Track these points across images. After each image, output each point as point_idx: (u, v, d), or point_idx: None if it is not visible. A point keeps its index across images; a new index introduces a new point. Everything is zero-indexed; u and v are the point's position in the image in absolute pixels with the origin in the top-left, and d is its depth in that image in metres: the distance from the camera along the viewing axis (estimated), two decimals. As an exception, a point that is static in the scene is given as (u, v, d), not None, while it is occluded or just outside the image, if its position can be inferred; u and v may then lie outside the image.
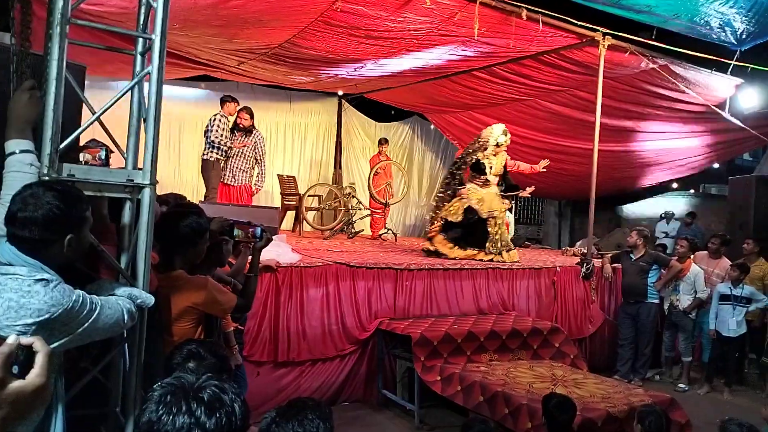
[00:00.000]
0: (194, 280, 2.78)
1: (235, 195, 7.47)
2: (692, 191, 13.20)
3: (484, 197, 6.98)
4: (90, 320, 1.80)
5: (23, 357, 1.00)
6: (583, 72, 7.08)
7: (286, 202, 9.03)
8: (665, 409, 4.10)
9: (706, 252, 7.02)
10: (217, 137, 7.20)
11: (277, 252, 5.02)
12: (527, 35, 6.11)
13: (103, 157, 2.10)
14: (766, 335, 6.67)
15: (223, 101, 7.50)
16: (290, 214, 9.17)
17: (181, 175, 9.35)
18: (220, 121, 7.28)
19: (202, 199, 7.08)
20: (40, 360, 1.01)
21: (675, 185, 12.91)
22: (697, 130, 8.62)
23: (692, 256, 6.85)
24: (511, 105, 8.87)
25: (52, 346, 1.70)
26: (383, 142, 9.77)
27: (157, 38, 2.11)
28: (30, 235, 1.75)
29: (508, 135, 7.08)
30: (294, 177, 9.44)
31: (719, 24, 6.07)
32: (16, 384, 0.97)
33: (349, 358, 5.39)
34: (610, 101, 7.26)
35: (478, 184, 7.04)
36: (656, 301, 6.62)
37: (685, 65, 6.93)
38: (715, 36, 6.37)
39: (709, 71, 7.11)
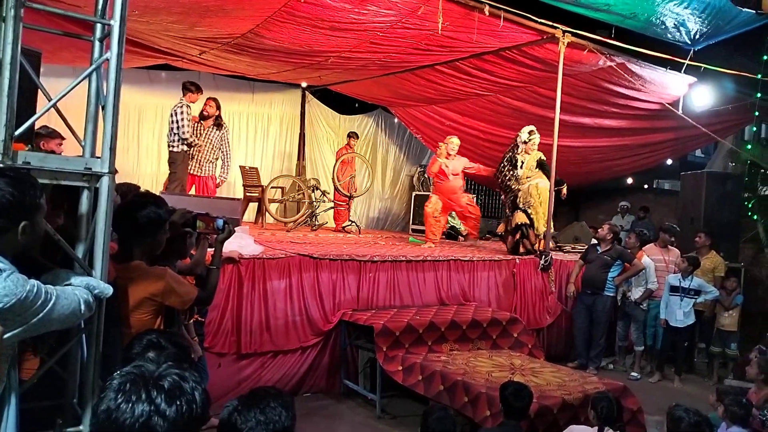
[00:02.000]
0: (152, 270, 2.75)
1: (200, 185, 7.39)
2: (645, 186, 13.57)
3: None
4: (45, 310, 1.77)
5: None
6: (543, 69, 7.20)
7: (248, 194, 8.96)
8: (618, 396, 4.25)
9: (656, 245, 7.25)
10: (184, 133, 7.04)
11: (240, 244, 4.99)
12: (489, 31, 6.19)
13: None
14: (714, 325, 6.96)
15: (185, 88, 7.32)
16: (252, 206, 9.11)
17: (140, 164, 9.18)
18: (184, 113, 7.09)
19: (163, 190, 6.96)
20: None
21: (630, 180, 13.28)
22: (651, 127, 8.87)
23: (645, 249, 7.10)
24: (473, 100, 8.97)
25: (5, 336, 1.67)
26: (353, 136, 9.75)
27: (116, 24, 2.08)
28: None
29: (535, 135, 7.44)
30: (257, 168, 9.36)
31: (674, 24, 6.27)
32: None
33: (311, 350, 5.40)
34: (569, 98, 7.42)
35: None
36: (612, 294, 6.81)
37: (641, 63, 7.12)
38: (670, 36, 6.59)
39: (664, 69, 7.33)
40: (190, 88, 7.30)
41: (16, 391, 1.86)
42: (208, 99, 7.54)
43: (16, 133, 1.95)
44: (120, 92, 2.11)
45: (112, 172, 2.13)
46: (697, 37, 6.72)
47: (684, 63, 7.23)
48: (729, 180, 8.47)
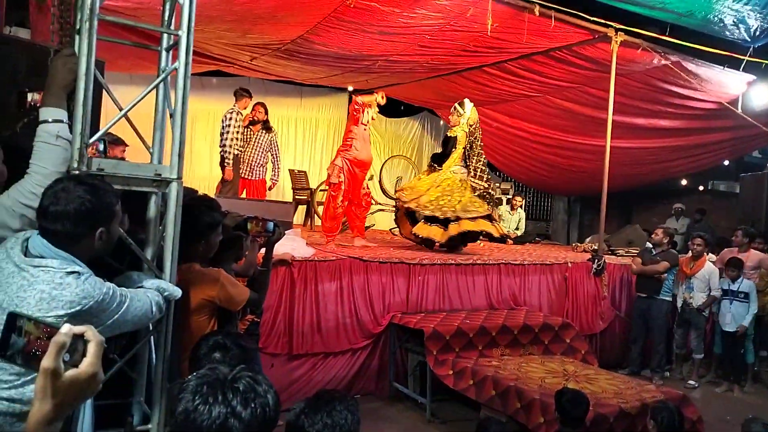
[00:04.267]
0: (208, 272, 2.82)
1: (251, 188, 7.53)
2: (701, 188, 13.14)
3: None
4: (120, 312, 1.84)
5: (74, 345, 1.02)
6: (594, 68, 7.07)
7: (297, 197, 9.07)
8: (678, 406, 4.13)
9: (733, 248, 7.01)
10: (228, 140, 7.17)
11: (292, 246, 5.06)
12: (539, 31, 6.11)
13: (101, 149, 2.12)
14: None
15: (237, 95, 7.49)
16: (301, 209, 9.21)
17: (193, 168, 9.40)
18: (234, 119, 7.23)
19: (216, 193, 7.12)
20: (92, 349, 1.03)
21: (684, 182, 12.88)
22: (708, 127, 8.59)
23: (722, 253, 6.91)
24: (521, 101, 8.87)
25: None
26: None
27: (183, 34, 2.14)
28: (61, 228, 1.78)
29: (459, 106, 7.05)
30: (305, 172, 9.47)
31: (733, 21, 6.06)
32: (70, 373, 1.00)
33: (361, 352, 5.43)
34: (621, 98, 7.25)
35: None
36: (668, 298, 6.62)
37: (698, 62, 6.91)
38: (728, 33, 6.37)
39: (722, 68, 7.09)
40: (243, 94, 7.45)
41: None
42: (256, 104, 7.68)
43: (90, 141, 2.03)
44: (188, 101, 2.17)
45: (180, 177, 2.19)
46: (758, 33, 6.47)
47: (743, 60, 6.97)
48: (792, 181, 8.13)
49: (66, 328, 1.01)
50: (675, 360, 6.92)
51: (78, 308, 1.72)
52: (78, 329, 1.03)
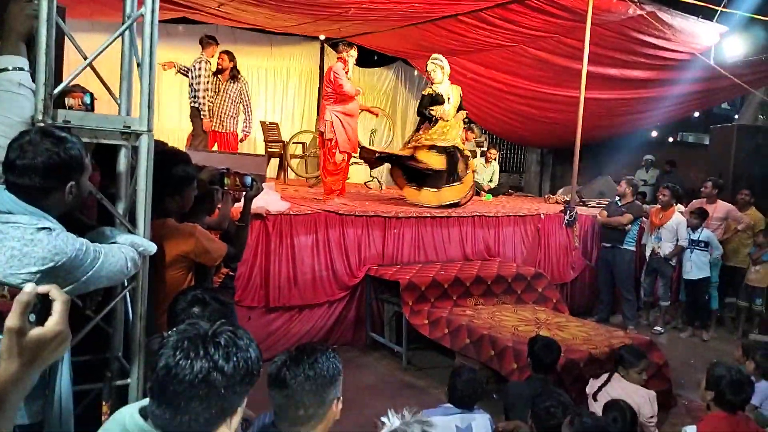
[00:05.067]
0: (182, 228, 2.78)
1: (222, 141, 7.36)
2: (670, 139, 13.32)
3: None
4: (94, 268, 1.80)
5: (40, 305, 1.01)
6: (570, 18, 6.97)
7: (269, 150, 8.93)
8: (644, 351, 4.27)
9: (702, 199, 7.15)
10: (200, 91, 6.97)
11: (266, 200, 5.00)
12: (516, -22, 5.99)
13: (87, 102, 2.04)
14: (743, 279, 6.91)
15: (203, 43, 7.23)
16: (274, 162, 9.09)
17: (161, 121, 9.14)
18: (203, 69, 7.02)
19: (187, 146, 6.97)
20: (58, 307, 1.02)
21: (654, 134, 13.02)
22: (680, 78, 8.62)
23: (693, 203, 7.05)
24: (496, 51, 8.75)
25: None
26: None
27: (150, -22, 2.04)
28: (30, 182, 1.72)
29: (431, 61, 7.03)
30: (277, 124, 9.30)
31: (710, -31, 6.01)
32: (35, 331, 0.99)
33: (338, 304, 5.48)
34: (595, 48, 7.20)
35: None
36: (632, 248, 6.77)
37: (672, 12, 6.87)
38: (704, -19, 6.32)
39: (696, 18, 7.07)
40: (209, 41, 7.20)
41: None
42: (221, 53, 7.42)
43: (55, 91, 1.94)
44: (156, 49, 2.08)
45: (151, 129, 2.12)
46: (732, -18, 6.46)
47: (717, 11, 6.97)
48: (760, 133, 8.26)
49: (29, 287, 1.00)
50: (642, 307, 7.14)
51: (51, 265, 1.68)
52: (42, 288, 1.02)
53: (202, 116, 6.97)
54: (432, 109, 6.85)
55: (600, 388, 3.69)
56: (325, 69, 10.63)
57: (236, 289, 4.62)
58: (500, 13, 7.19)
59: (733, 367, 2.95)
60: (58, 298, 1.03)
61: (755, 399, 3.62)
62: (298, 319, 5.28)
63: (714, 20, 7.06)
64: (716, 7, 6.95)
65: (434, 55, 7.09)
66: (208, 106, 7.08)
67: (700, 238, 6.58)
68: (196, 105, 7.06)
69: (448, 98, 6.94)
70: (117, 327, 2.28)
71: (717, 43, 7.50)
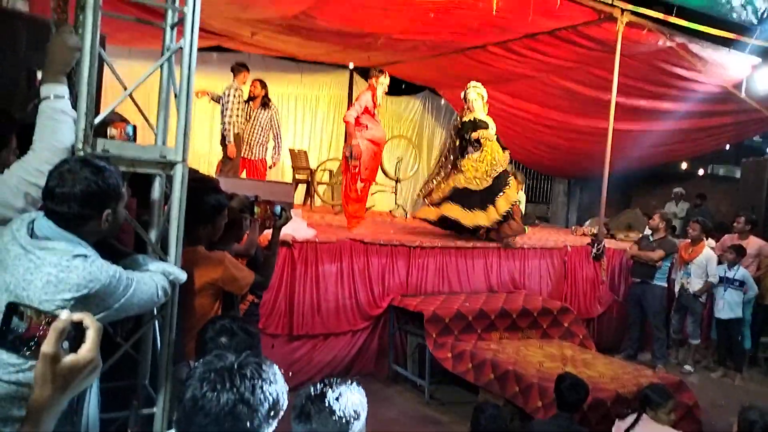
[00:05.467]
0: (212, 255, 2.80)
1: (251, 168, 7.45)
2: (701, 172, 13.12)
3: None
4: (126, 296, 1.82)
5: (73, 332, 1.03)
6: (599, 49, 6.98)
7: (297, 176, 9.02)
8: (671, 391, 4.14)
9: (734, 234, 7.00)
10: (227, 117, 7.08)
11: (293, 227, 5.02)
12: (545, 10, 6.00)
13: (130, 133, 2.08)
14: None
15: (234, 70, 7.36)
16: (301, 188, 9.17)
17: (193, 146, 9.28)
18: (232, 95, 7.12)
19: (216, 172, 7.07)
20: (91, 335, 1.05)
21: (684, 166, 12.84)
22: (711, 110, 8.54)
23: (722, 239, 6.91)
24: (524, 81, 8.77)
25: None
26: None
27: (189, 11, 2.09)
28: (68, 210, 1.75)
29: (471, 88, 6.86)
30: (305, 151, 9.40)
31: (741, 3, 5.98)
32: (69, 358, 1.02)
33: (361, 333, 5.44)
34: (624, 79, 7.17)
35: None
36: (663, 283, 6.63)
37: (703, 43, 6.82)
38: (735, 15, 6.29)
39: (727, 50, 7.01)
40: (240, 68, 7.32)
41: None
42: (253, 81, 7.56)
43: (96, 120, 1.98)
44: (193, 80, 2.12)
45: (186, 159, 2.15)
46: (765, 15, 6.40)
47: (749, 43, 6.90)
48: (793, 167, 8.09)
49: (65, 315, 1.02)
50: (671, 345, 6.96)
51: (85, 291, 1.71)
52: (77, 316, 1.04)
53: (227, 142, 7.06)
54: (479, 133, 6.63)
55: (628, 431, 3.59)
56: (355, 96, 10.83)
57: (261, 316, 4.63)
58: (528, 43, 7.23)
59: (766, 411, 2.84)
60: (92, 326, 1.05)
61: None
62: (321, 348, 5.25)
63: (746, 52, 6.99)
64: (748, 40, 6.89)
65: (474, 83, 6.92)
66: (239, 132, 7.18)
67: (735, 276, 6.41)
68: (223, 131, 7.17)
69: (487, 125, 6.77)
70: (145, 354, 2.29)
71: (749, 75, 7.42)
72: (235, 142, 7.11)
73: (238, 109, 7.13)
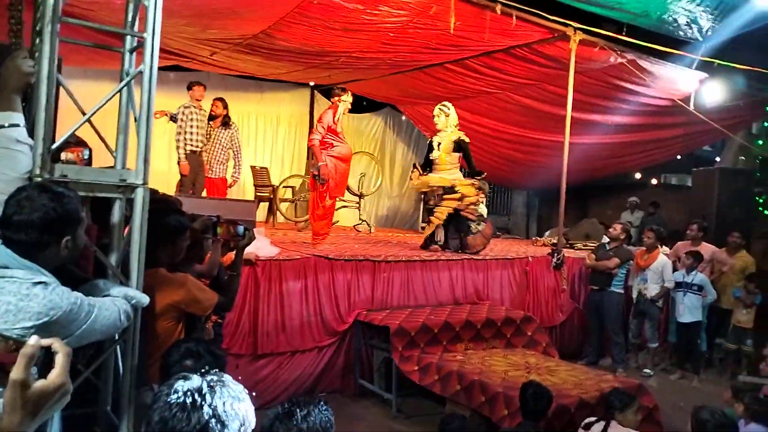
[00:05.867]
0: (174, 277, 2.78)
1: (211, 187, 7.40)
2: (654, 181, 13.54)
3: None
4: (88, 322, 1.81)
5: (42, 357, 1.03)
6: (553, 66, 7.20)
7: (258, 194, 8.98)
8: (633, 393, 4.26)
9: (687, 241, 7.25)
10: (181, 135, 7.05)
11: (256, 245, 4.97)
12: (501, 29, 6.18)
13: (86, 156, 2.08)
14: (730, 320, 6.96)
15: (189, 87, 7.35)
16: (263, 206, 9.13)
17: (151, 166, 9.18)
18: (184, 113, 7.12)
19: (176, 192, 6.99)
20: (60, 360, 1.05)
21: (638, 175, 13.23)
22: (661, 123, 8.87)
23: (678, 245, 7.14)
24: (482, 98, 8.97)
25: None
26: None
27: (149, 37, 2.11)
28: (26, 238, 1.74)
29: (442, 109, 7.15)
30: (267, 168, 9.37)
31: (686, 21, 6.27)
32: (39, 384, 1.01)
33: (327, 349, 5.44)
34: (579, 95, 7.40)
35: None
36: (620, 290, 6.83)
37: (652, 60, 7.11)
38: (681, 33, 6.58)
39: (675, 66, 7.32)
40: (193, 85, 7.31)
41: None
42: (214, 100, 7.55)
43: (54, 146, 1.98)
44: (153, 104, 2.13)
45: (146, 183, 2.15)
46: (709, 33, 6.70)
47: (695, 59, 7.22)
48: (741, 176, 8.46)
49: (34, 340, 1.02)
50: (630, 349, 7.15)
51: (46, 319, 1.69)
52: (45, 341, 1.04)
53: (178, 160, 7.02)
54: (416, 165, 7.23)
55: None
56: (316, 114, 10.87)
57: (224, 336, 4.59)
58: (486, 61, 7.41)
59: (717, 410, 2.97)
60: (61, 350, 1.05)
61: (746, 443, 3.62)
62: (286, 366, 5.22)
63: (693, 67, 7.31)
64: (694, 56, 7.21)
65: (443, 102, 7.26)
66: (196, 150, 7.15)
67: (693, 281, 6.64)
68: (192, 149, 7.13)
69: (438, 144, 7.01)
70: (106, 380, 2.26)
71: (697, 89, 7.74)
72: (189, 160, 7.06)
73: (191, 126, 7.09)
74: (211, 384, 1.27)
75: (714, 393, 5.69)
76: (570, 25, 6.40)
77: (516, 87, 8.25)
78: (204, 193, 7.35)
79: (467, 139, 7.13)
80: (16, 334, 1.63)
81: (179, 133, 7.07)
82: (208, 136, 7.40)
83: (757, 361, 5.66)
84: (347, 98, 6.52)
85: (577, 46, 6.54)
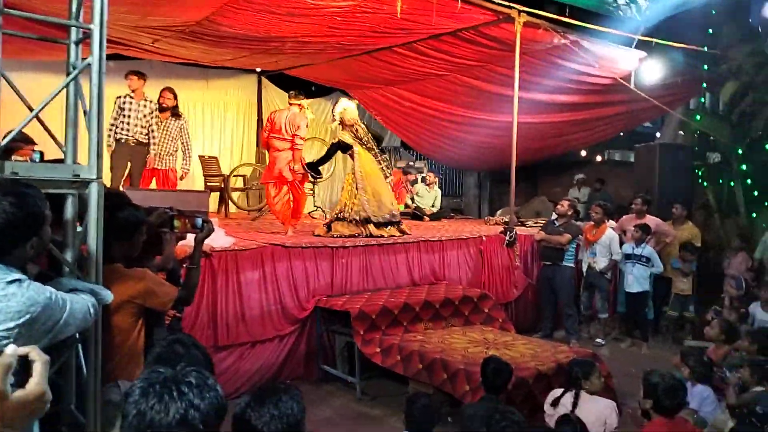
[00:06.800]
0: (131, 273, 2.73)
1: (161, 178, 7.22)
2: (599, 158, 13.95)
3: None
4: (64, 316, 1.79)
5: (19, 367, 1.01)
6: (499, 48, 7.31)
7: (209, 184, 8.84)
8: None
9: (632, 215, 7.53)
10: (120, 122, 6.85)
11: (211, 236, 4.95)
12: (447, 13, 6.22)
13: (37, 159, 2.02)
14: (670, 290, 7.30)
15: (126, 76, 7.10)
16: (214, 196, 8.98)
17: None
18: (123, 102, 6.92)
19: (125, 185, 6.81)
20: (38, 368, 1.04)
21: (584, 153, 13.61)
22: (605, 101, 9.12)
23: (623, 219, 7.44)
24: (431, 80, 9.03)
25: (40, 345, 1.67)
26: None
27: (96, 28, 2.05)
28: None
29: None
30: (216, 158, 9.22)
31: (625, 1, 6.45)
32: (18, 394, 1.00)
33: (288, 338, 5.44)
34: (525, 75, 7.55)
35: None
36: (571, 264, 7.07)
37: (594, 40, 7.31)
38: (621, 12, 6.78)
39: (616, 45, 7.54)
40: (127, 76, 7.05)
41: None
42: (163, 90, 7.34)
43: (2, 143, 1.92)
44: (104, 97, 2.08)
45: (101, 177, 2.11)
46: (647, 12, 6.94)
47: (635, 38, 7.46)
48: (680, 150, 8.82)
49: (11, 349, 1.00)
50: (582, 321, 7.42)
51: (27, 317, 1.66)
52: (22, 350, 1.02)
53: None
54: None
55: (572, 411, 3.68)
56: (264, 101, 10.74)
57: (183, 329, 4.54)
58: (433, 44, 7.45)
59: (666, 373, 3.13)
60: (38, 359, 1.04)
61: (693, 403, 3.84)
62: (248, 356, 5.20)
63: (633, 46, 7.55)
64: (633, 36, 7.44)
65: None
66: (126, 139, 6.93)
67: (642, 253, 6.91)
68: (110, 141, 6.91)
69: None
70: (68, 378, 2.22)
71: (637, 67, 8.00)
72: (118, 150, 6.89)
73: (123, 116, 6.89)
74: (185, 374, 1.29)
75: (663, 358, 5.97)
76: (514, 8, 6.50)
77: (464, 69, 8.34)
78: (153, 185, 7.18)
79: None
80: (0, 336, 1.59)
81: (111, 124, 6.85)
82: (149, 127, 7.11)
83: (701, 325, 5.95)
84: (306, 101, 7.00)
85: (522, 27, 6.66)
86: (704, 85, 8.83)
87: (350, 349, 5.49)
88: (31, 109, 2.04)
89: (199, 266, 3.20)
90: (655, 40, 7.42)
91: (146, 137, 7.02)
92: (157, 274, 3.07)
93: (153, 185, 7.21)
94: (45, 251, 1.90)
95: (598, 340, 7.03)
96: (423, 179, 10.73)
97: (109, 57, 8.27)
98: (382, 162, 7.20)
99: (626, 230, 7.28)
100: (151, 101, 7.11)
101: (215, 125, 10.43)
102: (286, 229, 6.69)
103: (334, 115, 7.19)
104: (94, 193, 2.12)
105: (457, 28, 6.91)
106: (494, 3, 6.31)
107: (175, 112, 7.36)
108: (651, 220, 7.32)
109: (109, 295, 2.10)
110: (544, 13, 6.78)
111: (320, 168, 7.40)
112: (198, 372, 1.32)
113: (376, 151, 7.19)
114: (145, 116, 7.00)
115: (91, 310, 1.92)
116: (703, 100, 9.28)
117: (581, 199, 10.93)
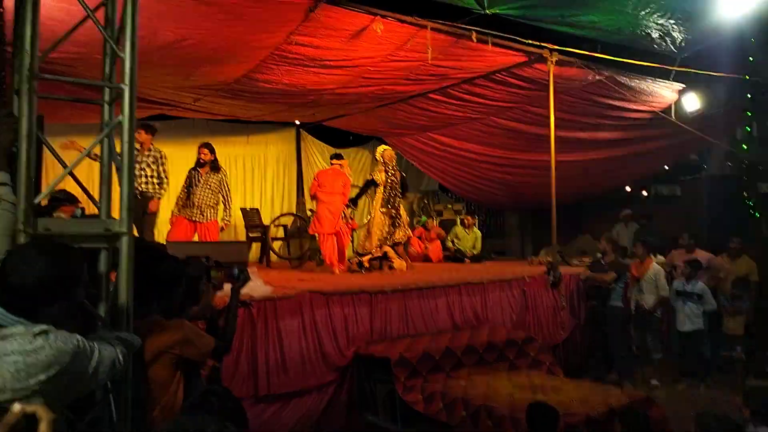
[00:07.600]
0: (169, 323, 2.75)
1: (202, 231, 7.36)
2: (645, 193, 13.59)
3: None
4: (93, 361, 1.75)
5: (26, 424, 1.02)
6: (533, 88, 7.31)
7: (250, 234, 8.98)
8: (643, 408, 4.23)
9: (681, 250, 7.27)
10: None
11: (250, 286, 4.97)
12: (478, 56, 6.30)
13: (79, 215, 2.09)
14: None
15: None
16: (255, 246, 9.12)
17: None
18: (136, 156, 6.91)
19: (167, 238, 6.98)
20: (43, 428, 1.03)
21: (628, 189, 13.30)
22: (646, 135, 8.96)
23: (670, 255, 7.25)
24: (466, 124, 9.08)
25: (69, 396, 1.68)
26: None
27: (126, 88, 2.14)
28: (21, 302, 1.72)
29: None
30: (257, 209, 9.39)
31: (659, 35, 6.40)
32: None
33: (329, 386, 5.37)
34: (562, 114, 7.51)
35: None
36: (619, 303, 6.82)
37: (629, 74, 7.23)
38: (656, 46, 6.71)
39: (652, 79, 7.44)
40: (140, 128, 6.77)
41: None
42: (200, 146, 7.50)
43: (36, 200, 1.99)
44: (134, 153, 2.15)
45: (131, 230, 2.16)
46: (683, 44, 6.84)
47: (672, 70, 7.34)
48: (728, 181, 8.53)
49: (17, 408, 1.01)
50: (636, 362, 7.09)
51: (57, 368, 1.64)
52: (29, 408, 1.02)
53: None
54: None
55: None
56: (303, 152, 11.01)
57: (222, 381, 4.54)
58: (467, 88, 7.52)
59: (720, 415, 2.94)
60: (44, 417, 1.04)
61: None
62: (289, 406, 5.14)
63: (670, 79, 7.43)
64: (671, 67, 7.33)
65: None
66: (143, 191, 6.83)
67: (694, 290, 6.64)
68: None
69: None
70: (101, 431, 2.23)
71: (677, 100, 7.86)
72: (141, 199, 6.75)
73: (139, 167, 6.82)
74: (206, 425, 1.30)
75: (721, 399, 5.64)
76: (546, 47, 6.51)
77: (499, 110, 8.36)
78: (195, 238, 7.31)
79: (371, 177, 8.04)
80: (31, 390, 1.59)
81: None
82: (197, 182, 7.26)
83: (760, 364, 5.62)
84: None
85: (554, 66, 6.66)
86: (749, 113, 8.58)
87: (392, 397, 5.36)
88: (65, 166, 2.12)
89: (236, 315, 3.21)
90: (692, 70, 7.29)
91: (151, 186, 6.92)
92: (195, 324, 3.10)
93: (195, 238, 7.35)
94: (75, 313, 1.91)
95: (653, 381, 6.69)
96: (462, 222, 10.65)
97: (155, 117, 8.77)
98: (398, 206, 7.92)
99: (676, 266, 7.02)
100: (155, 149, 6.98)
101: (256, 178, 10.70)
102: (335, 271, 7.41)
103: (375, 157, 8.03)
104: (125, 246, 2.17)
105: (489, 71, 6.96)
106: (524, 44, 6.34)
107: (214, 166, 7.52)
108: (702, 255, 7.04)
109: (137, 341, 2.10)
110: (577, 50, 6.76)
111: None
112: (221, 424, 1.31)
113: (398, 191, 7.85)
114: (149, 165, 6.99)
115: (120, 357, 1.91)
116: (749, 129, 9.01)
117: (629, 236, 10.62)
